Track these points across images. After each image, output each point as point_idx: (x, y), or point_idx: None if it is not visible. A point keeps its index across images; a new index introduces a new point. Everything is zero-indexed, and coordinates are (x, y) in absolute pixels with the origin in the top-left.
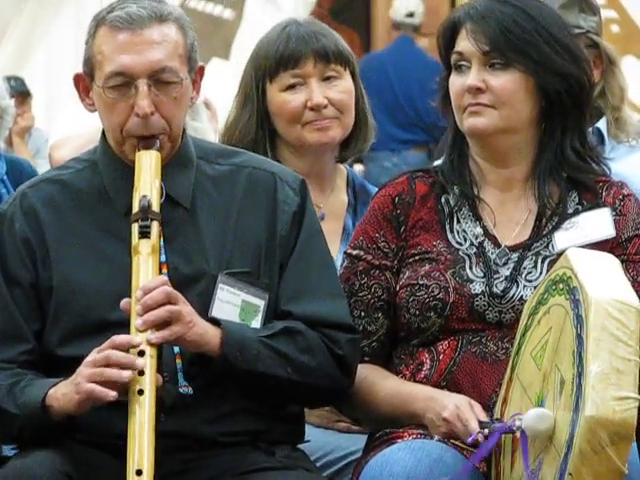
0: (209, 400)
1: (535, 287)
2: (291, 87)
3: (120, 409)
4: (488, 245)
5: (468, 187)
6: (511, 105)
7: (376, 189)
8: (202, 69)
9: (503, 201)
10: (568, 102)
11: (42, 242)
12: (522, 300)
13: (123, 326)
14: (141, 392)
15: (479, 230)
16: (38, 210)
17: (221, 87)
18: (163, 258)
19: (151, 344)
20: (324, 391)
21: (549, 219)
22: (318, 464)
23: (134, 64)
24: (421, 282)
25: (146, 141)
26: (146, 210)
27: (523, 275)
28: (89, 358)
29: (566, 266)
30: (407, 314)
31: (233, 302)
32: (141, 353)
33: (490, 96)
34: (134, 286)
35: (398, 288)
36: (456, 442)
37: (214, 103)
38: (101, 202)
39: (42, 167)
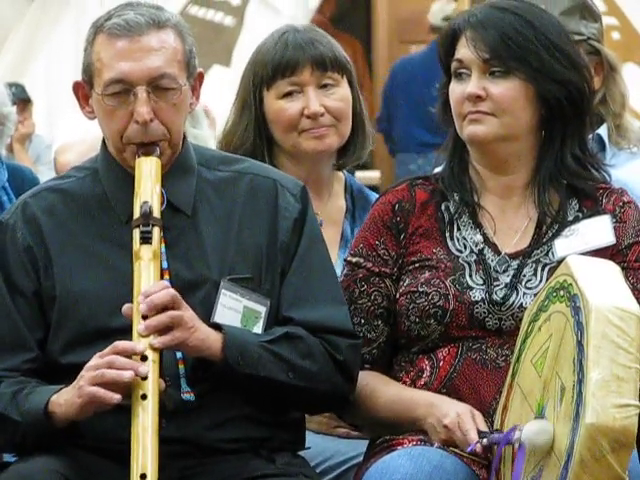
0: (211, 406)
1: (535, 294)
2: (288, 95)
3: (122, 414)
4: (488, 252)
5: (468, 194)
6: (511, 113)
7: (374, 195)
8: (201, 75)
9: (503, 208)
10: (568, 109)
11: (44, 251)
12: (522, 307)
13: (125, 333)
14: (144, 397)
15: (479, 237)
16: (40, 219)
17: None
18: (165, 264)
19: (154, 349)
20: (325, 396)
21: (549, 226)
22: (318, 470)
23: (133, 71)
24: (421, 289)
25: (146, 148)
26: (147, 216)
27: (523, 282)
28: (91, 362)
29: (567, 273)
30: (407, 321)
31: (235, 308)
32: (144, 358)
33: (490, 104)
34: (136, 291)
35: (398, 295)
36: (456, 449)
37: (215, 109)
38: (102, 210)
39: (43, 174)
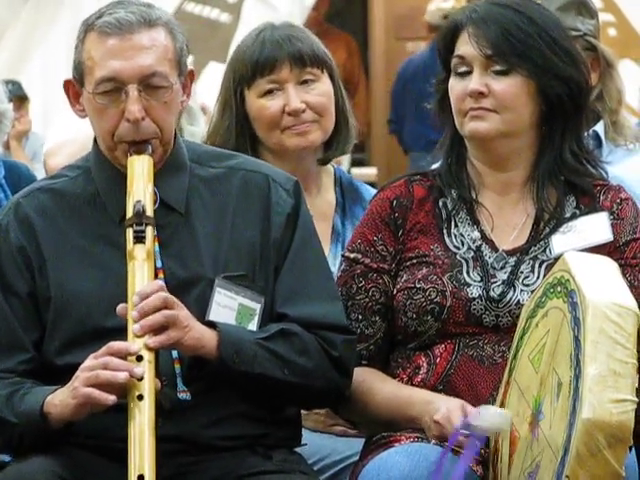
0: (207, 405)
1: (532, 291)
2: (268, 92)
3: (118, 413)
4: (485, 249)
5: (466, 191)
6: (513, 109)
7: (365, 186)
8: (192, 73)
9: (501, 205)
10: (569, 105)
11: (38, 251)
12: (519, 304)
13: (120, 333)
14: (140, 397)
15: (476, 234)
16: (33, 219)
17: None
18: (159, 263)
19: (149, 349)
20: (321, 392)
21: (547, 223)
22: (315, 468)
23: (124, 69)
24: (418, 286)
25: (137, 146)
26: (140, 215)
27: (520, 279)
28: (86, 363)
29: (564, 269)
30: (404, 317)
31: (230, 306)
32: (139, 358)
33: (492, 100)
34: (130, 292)
35: (395, 291)
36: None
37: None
38: (95, 209)
39: (39, 171)
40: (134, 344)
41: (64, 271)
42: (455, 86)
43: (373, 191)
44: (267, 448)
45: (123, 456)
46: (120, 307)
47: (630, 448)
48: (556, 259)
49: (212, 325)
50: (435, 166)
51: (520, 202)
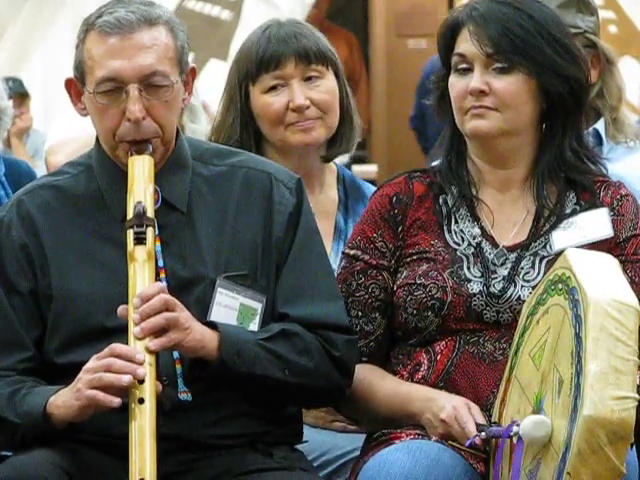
0: (207, 404)
1: (533, 287)
2: (273, 89)
3: (120, 410)
4: (486, 245)
5: (466, 187)
6: (514, 107)
7: (367, 185)
8: (194, 70)
9: (501, 201)
10: (569, 103)
11: (40, 249)
12: (520, 300)
13: (121, 332)
14: (142, 401)
15: (477, 230)
16: (35, 217)
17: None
18: (161, 263)
19: (150, 351)
20: (322, 392)
21: (547, 219)
22: (315, 464)
23: (124, 69)
24: (419, 281)
25: (138, 146)
26: (141, 216)
27: (521, 275)
28: (89, 365)
29: (565, 266)
30: (404, 313)
31: (231, 306)
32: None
33: (493, 99)
34: (131, 293)
35: (396, 288)
36: (454, 443)
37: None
38: (97, 208)
39: (40, 168)
40: (139, 352)
41: (66, 269)
42: (455, 84)
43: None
44: (268, 445)
45: (125, 453)
46: (121, 309)
47: (631, 445)
48: (557, 255)
49: (213, 326)
50: (435, 163)
51: (520, 199)
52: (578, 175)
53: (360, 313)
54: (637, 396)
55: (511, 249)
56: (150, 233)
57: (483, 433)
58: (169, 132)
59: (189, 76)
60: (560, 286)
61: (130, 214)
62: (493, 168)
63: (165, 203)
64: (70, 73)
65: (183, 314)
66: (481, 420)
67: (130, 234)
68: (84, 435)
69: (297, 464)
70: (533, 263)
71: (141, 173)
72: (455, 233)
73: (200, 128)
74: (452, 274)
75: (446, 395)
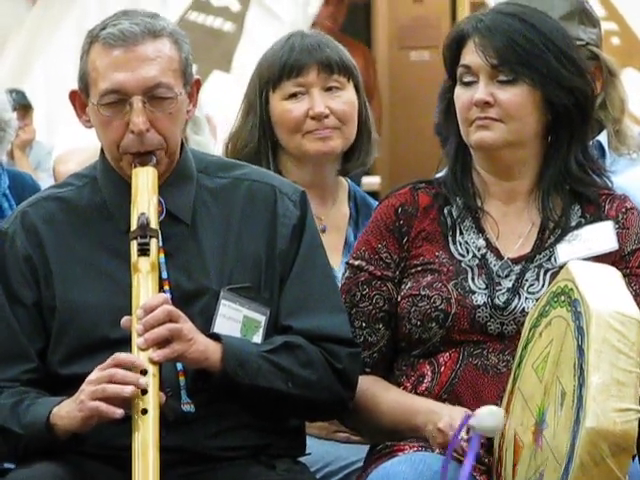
0: (210, 416)
1: (537, 299)
2: (293, 96)
3: (123, 422)
4: (490, 257)
5: (471, 199)
6: (519, 119)
7: (376, 203)
8: (198, 82)
9: (506, 213)
10: (575, 115)
11: (44, 260)
12: (524, 312)
13: (125, 344)
14: (145, 412)
15: (482, 242)
16: (39, 228)
17: (222, 100)
18: (165, 275)
19: (153, 362)
20: (325, 405)
21: (552, 231)
22: (318, 475)
23: (128, 81)
24: (423, 293)
25: (142, 157)
26: (144, 227)
27: (525, 287)
28: (92, 376)
29: (568, 278)
30: (408, 324)
31: (235, 318)
32: (144, 372)
33: (498, 110)
34: (134, 304)
35: (400, 298)
36: (456, 455)
37: (215, 115)
38: (102, 219)
39: (43, 180)
40: (139, 358)
41: (70, 281)
42: (461, 95)
43: None
44: (271, 458)
45: (128, 465)
46: (125, 320)
47: (633, 457)
48: (561, 267)
49: (216, 337)
50: (440, 174)
51: (525, 211)
52: (583, 188)
53: (364, 324)
54: (639, 408)
55: (516, 261)
56: (154, 244)
57: (464, 435)
58: (173, 144)
59: (193, 88)
60: (563, 298)
61: (134, 225)
62: (498, 180)
63: (169, 215)
64: (73, 85)
65: (187, 325)
66: None
67: (134, 245)
68: (87, 447)
69: (300, 477)
70: (538, 275)
71: (145, 184)
72: (460, 244)
73: (204, 140)
74: (456, 285)
75: (449, 407)
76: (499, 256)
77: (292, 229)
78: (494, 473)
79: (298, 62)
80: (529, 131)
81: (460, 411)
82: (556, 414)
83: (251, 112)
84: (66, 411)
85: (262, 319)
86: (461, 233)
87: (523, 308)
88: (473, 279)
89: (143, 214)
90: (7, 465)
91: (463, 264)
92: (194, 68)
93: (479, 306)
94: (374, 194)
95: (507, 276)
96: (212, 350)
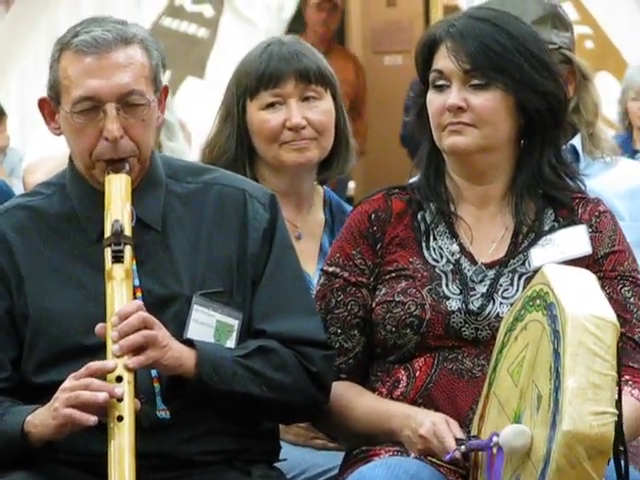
0: (185, 422)
1: (511, 304)
2: (270, 106)
3: (98, 429)
4: (464, 262)
5: (444, 204)
6: (492, 124)
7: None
8: (166, 89)
9: (479, 218)
10: (548, 119)
11: (15, 269)
12: (498, 317)
13: (99, 351)
14: (120, 418)
15: (455, 247)
16: (9, 237)
17: (196, 106)
18: (137, 282)
19: (128, 369)
20: (299, 407)
21: (525, 236)
22: None
23: (102, 88)
24: (397, 299)
25: (115, 164)
26: (119, 235)
27: (499, 292)
28: (66, 384)
29: (543, 282)
30: (383, 331)
31: (208, 323)
32: (119, 379)
33: (471, 115)
34: (109, 312)
35: (374, 305)
36: (433, 459)
37: (189, 121)
38: (72, 228)
39: (17, 187)
40: (110, 361)
41: (42, 289)
42: (433, 100)
43: None
44: (246, 463)
45: (104, 471)
46: (99, 327)
47: (609, 460)
48: (535, 272)
49: (190, 343)
50: (413, 180)
51: (499, 215)
52: (556, 191)
53: (339, 330)
54: (615, 411)
55: (490, 266)
56: (128, 251)
57: (463, 447)
58: (146, 151)
59: (162, 95)
60: (538, 302)
61: (108, 232)
62: (471, 184)
63: (140, 222)
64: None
65: (161, 332)
66: (460, 435)
67: (108, 252)
68: (62, 454)
69: None
70: (512, 280)
71: (118, 192)
72: (434, 250)
73: (178, 146)
74: (431, 291)
75: (424, 412)
76: (473, 261)
77: (263, 232)
78: (471, 477)
79: (275, 72)
80: (502, 136)
81: (440, 416)
82: (532, 418)
83: (228, 119)
84: (40, 419)
85: (235, 323)
86: (435, 238)
87: (497, 313)
88: (447, 285)
89: (117, 221)
90: None
91: (437, 269)
92: (168, 74)
93: (453, 312)
94: (349, 199)
95: (481, 281)
96: (186, 356)
